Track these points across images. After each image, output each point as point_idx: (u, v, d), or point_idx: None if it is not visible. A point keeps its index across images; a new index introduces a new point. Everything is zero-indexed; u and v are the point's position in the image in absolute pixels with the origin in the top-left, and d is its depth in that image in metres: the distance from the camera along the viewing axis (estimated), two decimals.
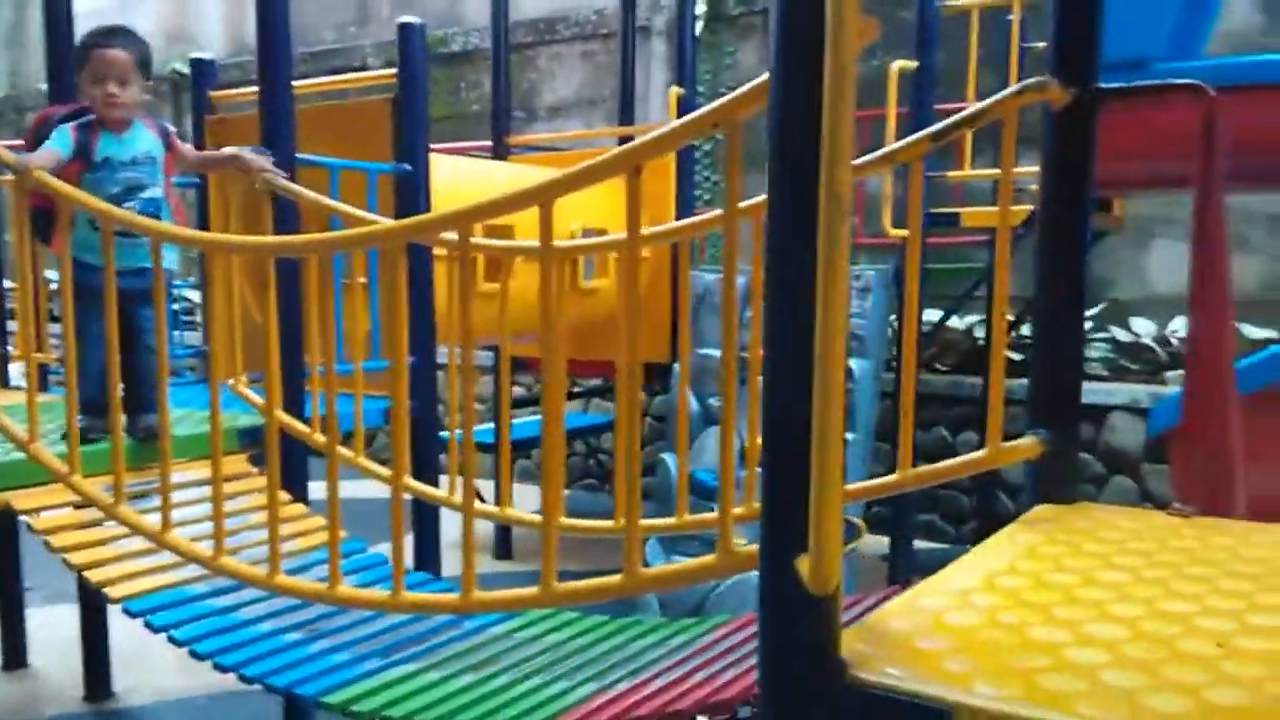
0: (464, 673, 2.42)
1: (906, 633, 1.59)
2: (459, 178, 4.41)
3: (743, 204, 1.66)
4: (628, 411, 1.84)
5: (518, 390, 7.81)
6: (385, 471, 3.00)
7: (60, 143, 2.97)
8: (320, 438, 3.15)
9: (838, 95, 1.21)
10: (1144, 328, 6.54)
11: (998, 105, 2.18)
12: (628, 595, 1.91)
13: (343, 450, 2.76)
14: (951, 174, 5.16)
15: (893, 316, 5.31)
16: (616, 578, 1.89)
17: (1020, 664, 1.45)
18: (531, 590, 1.96)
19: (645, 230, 1.99)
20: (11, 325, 4.45)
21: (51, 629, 4.58)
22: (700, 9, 8.16)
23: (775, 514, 1.41)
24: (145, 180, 3.07)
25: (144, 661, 4.27)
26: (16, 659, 4.43)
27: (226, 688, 3.08)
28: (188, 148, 3.39)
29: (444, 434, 3.79)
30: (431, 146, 4.21)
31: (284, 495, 3.12)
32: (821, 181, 1.23)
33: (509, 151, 5.85)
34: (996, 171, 5.18)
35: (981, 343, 6.58)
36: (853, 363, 4.85)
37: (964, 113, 2.21)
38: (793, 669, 1.44)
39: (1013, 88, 2.19)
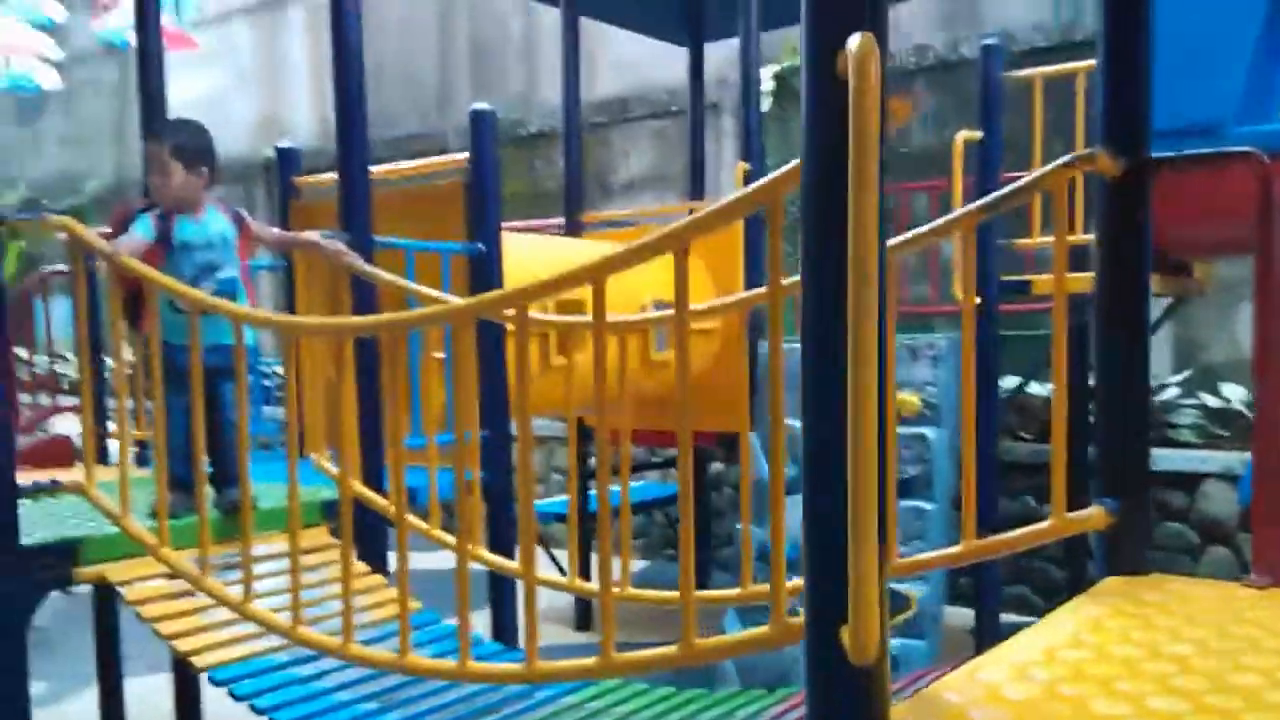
0: None
1: (960, 705, 1.59)
2: (531, 255, 4.52)
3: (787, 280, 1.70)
4: (684, 483, 1.88)
5: (594, 461, 7.87)
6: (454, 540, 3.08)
7: (143, 228, 3.15)
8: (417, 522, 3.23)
9: (861, 185, 1.27)
10: (1234, 393, 6.37)
11: (1047, 177, 2.20)
12: (683, 665, 1.93)
13: (415, 521, 2.84)
14: (1019, 241, 5.14)
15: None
16: (674, 648, 1.92)
17: None
18: (591, 660, 2.00)
19: (698, 305, 2.04)
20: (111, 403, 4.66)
21: (150, 696, 4.71)
22: (769, 85, 8.29)
23: (818, 584, 1.44)
24: (219, 261, 3.23)
25: None
26: None
27: None
28: (265, 228, 3.56)
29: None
30: (505, 225, 4.34)
31: (362, 566, 3.21)
32: (850, 259, 1.28)
33: (582, 228, 5.97)
34: (1079, 238, 5.16)
35: None
36: (928, 431, 4.83)
37: (1014, 185, 2.23)
38: None
39: (1061, 160, 2.21)
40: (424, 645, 2.76)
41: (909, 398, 4.92)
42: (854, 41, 1.28)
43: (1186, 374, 6.64)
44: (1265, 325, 2.24)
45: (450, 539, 3.27)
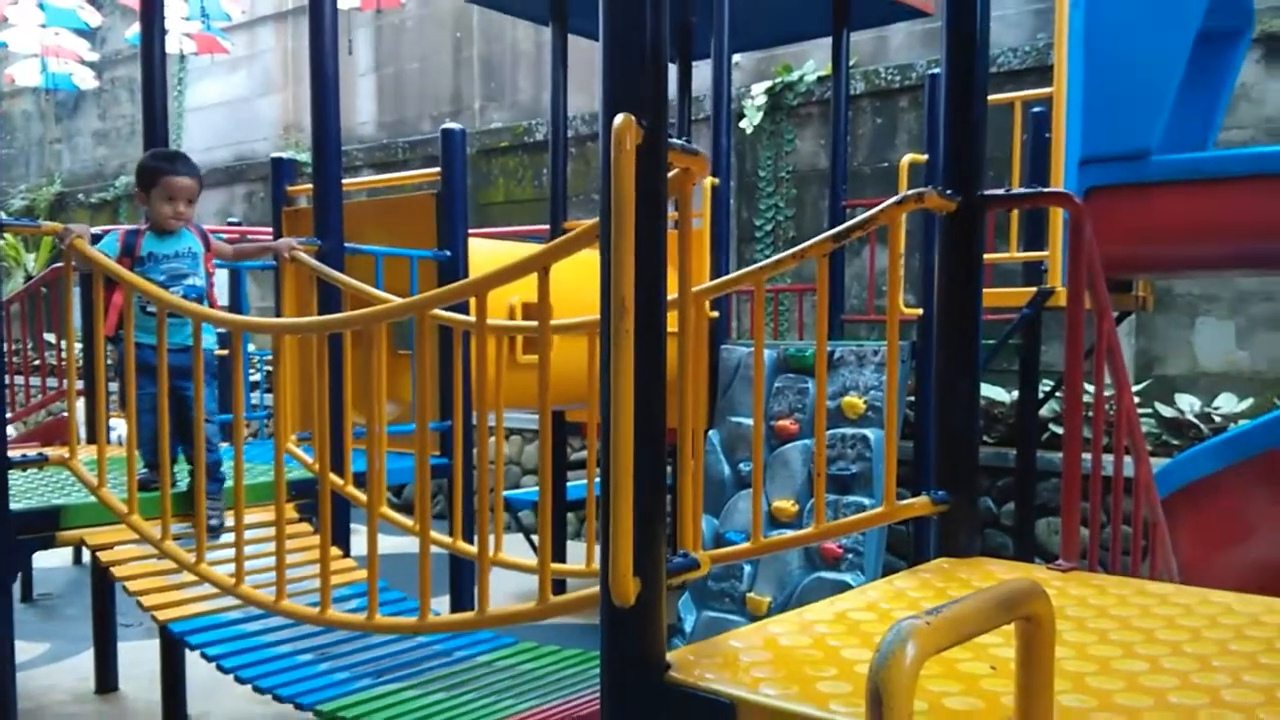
0: (439, 692, 2.82)
1: (737, 649, 1.94)
2: (493, 260, 4.88)
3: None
4: (545, 471, 2.24)
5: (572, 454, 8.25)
6: (409, 521, 3.45)
7: (107, 246, 3.57)
8: (355, 491, 3.61)
9: (619, 232, 1.63)
10: (1188, 404, 6.64)
11: (883, 213, 2.52)
12: (538, 620, 2.29)
13: (357, 493, 3.21)
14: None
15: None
16: (532, 604, 2.28)
17: (812, 674, 1.79)
18: (470, 614, 2.36)
19: (560, 320, 2.40)
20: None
21: (143, 658, 5.12)
22: (761, 101, 8.63)
23: (605, 544, 1.79)
24: (186, 270, 3.63)
25: (219, 690, 4.76)
26: (108, 684, 4.97)
27: (287, 715, 3.51)
28: (224, 245, 4.00)
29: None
30: (476, 231, 4.72)
31: (313, 540, 3.59)
32: (612, 288, 1.64)
33: (564, 234, 6.33)
34: (1005, 255, 5.46)
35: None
36: (869, 432, 5.15)
37: (858, 219, 2.54)
38: (621, 669, 1.80)
39: (894, 198, 2.53)
40: (343, 602, 3.12)
41: (854, 400, 5.25)
42: (617, 120, 1.64)
43: (1145, 384, 6.91)
44: (1070, 345, 2.53)
45: (402, 518, 3.65)
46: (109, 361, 4.69)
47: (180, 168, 3.68)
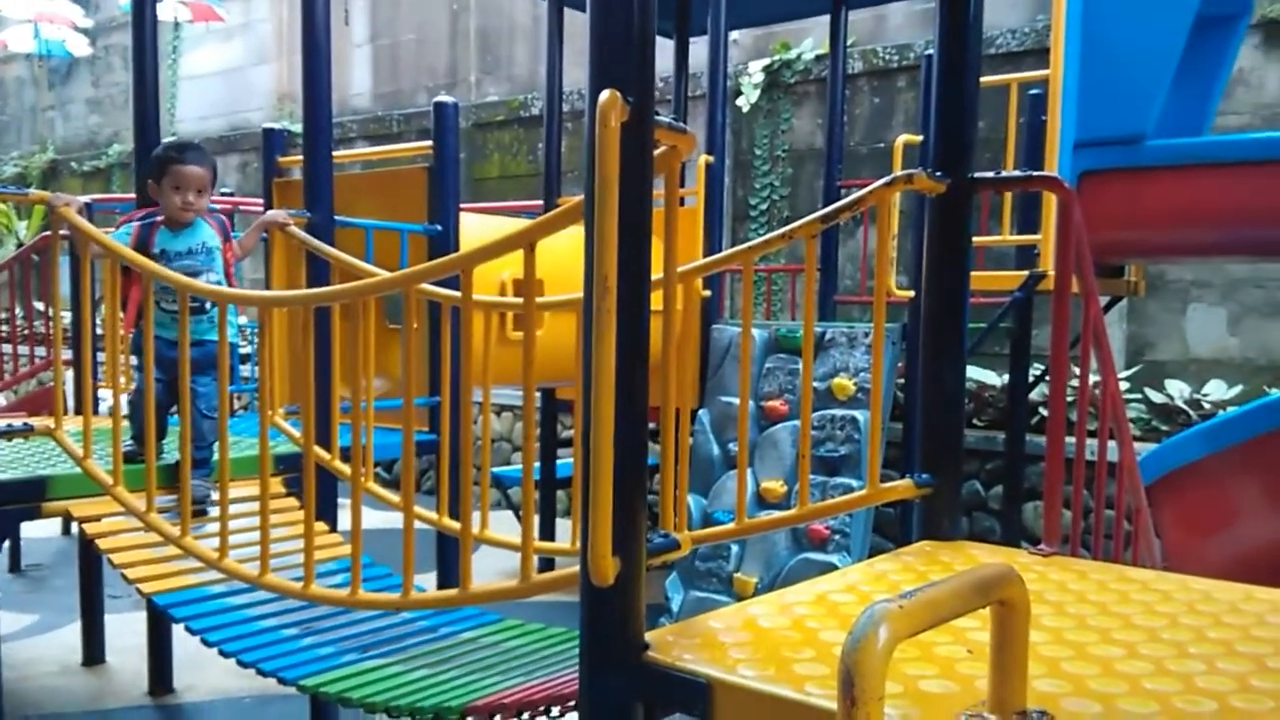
0: (422, 668, 2.82)
1: (716, 630, 1.94)
2: (482, 234, 4.87)
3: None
4: (529, 451, 2.23)
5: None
6: (394, 497, 3.45)
7: (119, 238, 3.53)
8: (341, 466, 3.60)
9: (603, 211, 1.62)
10: (1178, 389, 6.64)
11: (872, 194, 2.51)
12: (521, 597, 2.29)
13: (343, 468, 3.20)
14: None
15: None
16: (514, 582, 2.28)
17: (790, 655, 1.79)
18: (453, 591, 2.36)
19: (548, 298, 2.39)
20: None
21: (130, 630, 5.13)
22: (759, 79, 8.59)
23: (585, 525, 1.78)
24: (201, 267, 3.60)
25: (204, 663, 4.77)
26: (94, 656, 4.97)
27: (272, 690, 3.52)
28: (238, 241, 3.96)
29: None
30: (469, 206, 4.70)
31: (298, 515, 3.59)
32: (594, 266, 1.63)
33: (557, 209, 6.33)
34: (998, 239, 5.45)
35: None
36: (859, 414, 5.15)
37: (847, 200, 2.53)
38: (600, 649, 1.80)
39: (884, 180, 2.52)
40: (328, 577, 3.12)
41: (844, 382, 5.25)
42: (602, 96, 1.62)
43: (1135, 370, 6.91)
44: (1057, 329, 2.53)
45: (388, 494, 3.65)
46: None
47: (189, 156, 3.63)
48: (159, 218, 3.65)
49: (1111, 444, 3.25)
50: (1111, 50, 4.63)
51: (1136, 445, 6.43)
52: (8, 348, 7.05)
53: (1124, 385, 7.07)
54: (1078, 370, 3.27)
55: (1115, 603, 2.05)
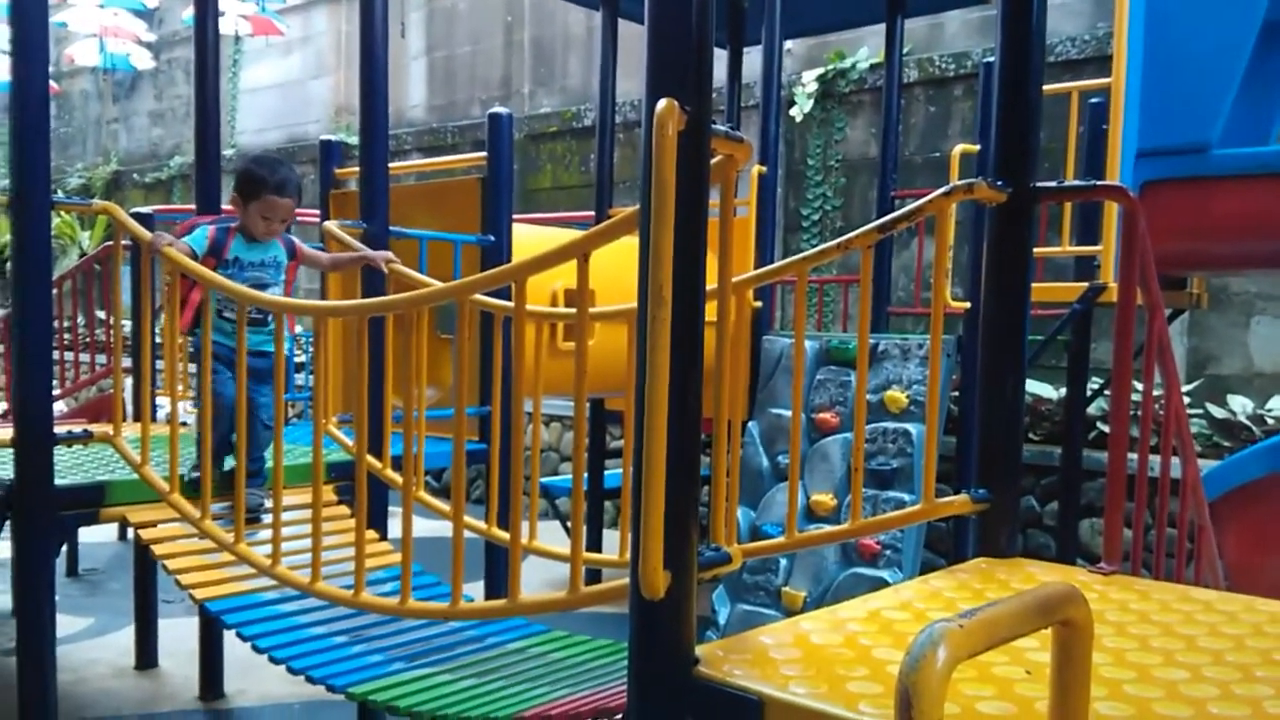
0: (469, 677, 2.82)
1: (767, 645, 1.91)
2: (535, 245, 4.88)
3: None
4: (579, 462, 2.22)
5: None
6: (444, 506, 3.45)
7: (196, 240, 3.51)
8: (392, 474, 3.62)
9: (659, 221, 1.60)
10: (1240, 405, 6.49)
11: (931, 204, 2.47)
12: (570, 609, 2.28)
13: (395, 476, 3.21)
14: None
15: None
16: (563, 593, 2.27)
17: (843, 673, 1.76)
18: (502, 601, 2.35)
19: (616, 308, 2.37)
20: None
21: (183, 635, 5.19)
22: (812, 88, 8.54)
23: (636, 539, 1.76)
24: (268, 280, 3.60)
25: (255, 669, 4.81)
26: (147, 660, 5.04)
27: (321, 697, 3.54)
28: (316, 253, 3.92)
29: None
30: (522, 216, 4.71)
31: (349, 522, 3.61)
32: (650, 276, 1.61)
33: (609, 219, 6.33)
34: (1057, 249, 5.37)
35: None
36: (912, 426, 5.08)
37: (905, 209, 2.50)
38: (649, 663, 1.78)
39: (943, 189, 2.47)
40: (378, 585, 3.12)
41: (897, 394, 5.18)
42: (660, 104, 1.61)
43: (1196, 384, 6.77)
44: (1120, 343, 2.47)
45: (437, 502, 3.66)
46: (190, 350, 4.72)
47: (287, 190, 3.55)
48: (234, 223, 3.63)
49: (1174, 460, 3.17)
50: (1176, 57, 4.53)
51: (1198, 462, 6.32)
52: (70, 355, 7.19)
53: (1185, 400, 6.93)
54: (1138, 385, 3.21)
55: (1179, 624, 1.99)
